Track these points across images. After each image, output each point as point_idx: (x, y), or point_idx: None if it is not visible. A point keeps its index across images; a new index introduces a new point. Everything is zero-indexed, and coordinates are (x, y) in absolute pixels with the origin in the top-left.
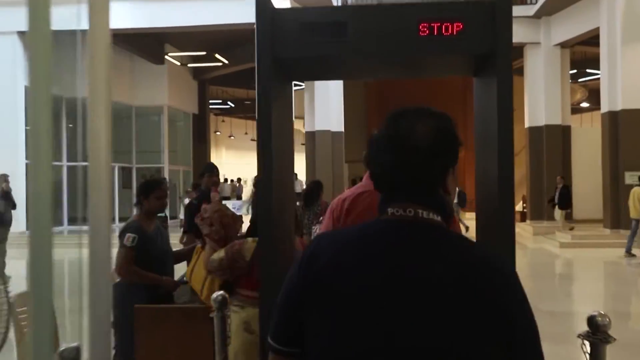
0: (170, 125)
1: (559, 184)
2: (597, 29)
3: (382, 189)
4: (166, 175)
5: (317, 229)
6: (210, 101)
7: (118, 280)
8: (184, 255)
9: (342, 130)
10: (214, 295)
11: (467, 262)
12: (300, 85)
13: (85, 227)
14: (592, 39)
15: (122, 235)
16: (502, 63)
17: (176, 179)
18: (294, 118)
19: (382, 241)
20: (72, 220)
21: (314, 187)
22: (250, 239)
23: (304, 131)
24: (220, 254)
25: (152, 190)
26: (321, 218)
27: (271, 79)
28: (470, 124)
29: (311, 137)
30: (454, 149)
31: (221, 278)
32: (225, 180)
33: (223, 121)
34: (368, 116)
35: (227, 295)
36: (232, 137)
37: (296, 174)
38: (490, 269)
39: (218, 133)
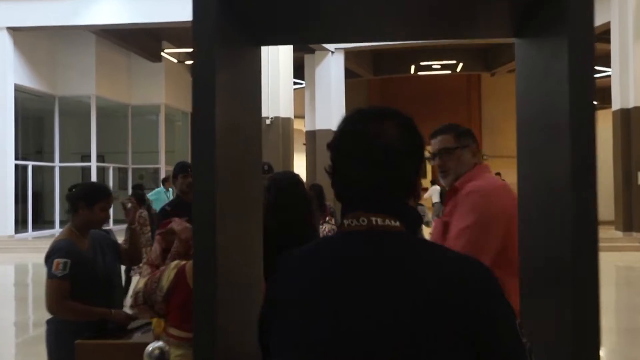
0: (167, 125)
1: None
2: (607, 24)
3: (343, 199)
4: (163, 175)
5: (326, 229)
6: None
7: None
8: (135, 252)
9: None
10: (148, 349)
11: (434, 273)
12: (301, 84)
13: None
14: (601, 34)
15: (48, 260)
16: (577, 14)
17: None
18: (292, 116)
19: (337, 252)
20: None
21: (321, 190)
22: (173, 263)
23: (304, 130)
24: (139, 284)
25: (99, 198)
26: (327, 218)
27: (217, 36)
28: (474, 124)
29: (312, 137)
30: (422, 149)
31: (144, 316)
32: None
33: None
34: None
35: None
36: None
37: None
38: (462, 277)
39: None
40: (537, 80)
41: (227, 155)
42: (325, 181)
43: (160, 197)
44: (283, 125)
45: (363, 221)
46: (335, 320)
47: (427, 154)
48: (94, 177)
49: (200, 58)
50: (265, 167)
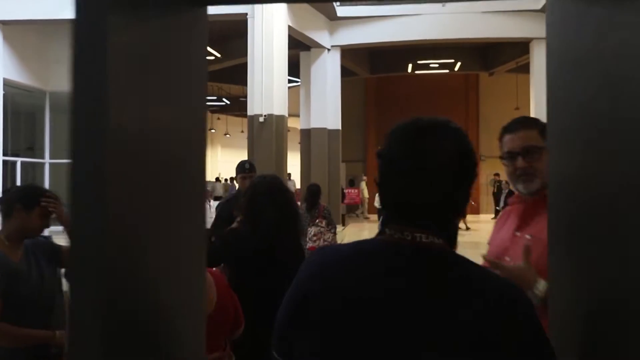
0: None
1: None
2: None
3: (389, 208)
4: None
5: (312, 232)
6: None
7: None
8: None
9: (339, 128)
10: None
11: (479, 291)
12: (297, 82)
13: None
14: None
15: None
16: None
17: None
18: (286, 114)
19: (379, 261)
20: None
21: (317, 190)
22: None
23: (299, 129)
24: None
25: (38, 201)
26: (317, 221)
27: None
28: (472, 125)
29: (306, 135)
30: (476, 169)
31: None
32: (217, 179)
33: (219, 119)
34: (366, 114)
35: None
36: (228, 136)
37: (290, 174)
38: (508, 300)
39: (213, 131)
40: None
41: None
42: (319, 181)
43: None
44: (277, 123)
45: (407, 235)
46: (389, 337)
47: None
48: None
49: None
50: (247, 166)
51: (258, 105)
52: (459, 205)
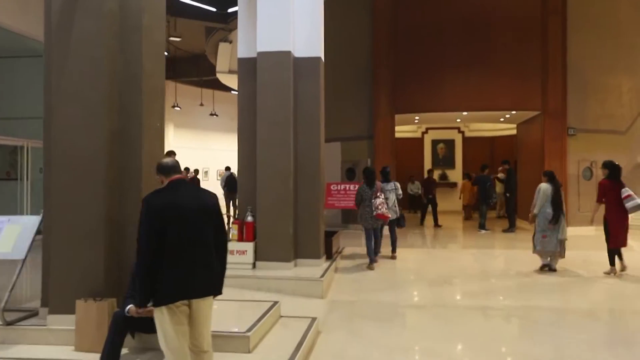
0: None
1: None
2: None
3: None
4: None
5: (377, 203)
6: None
7: None
8: None
9: (320, 55)
10: None
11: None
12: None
13: None
14: None
15: None
16: None
17: None
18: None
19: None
20: None
21: (372, 172)
22: None
23: (237, 57)
24: None
25: None
26: (378, 194)
27: None
28: (553, 78)
29: (248, 69)
30: None
31: None
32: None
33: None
34: (374, 56)
35: None
36: (178, 109)
37: (172, 151)
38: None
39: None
40: None
41: None
42: (273, 163)
43: None
44: None
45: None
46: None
47: None
48: None
49: None
50: None
51: None
52: None
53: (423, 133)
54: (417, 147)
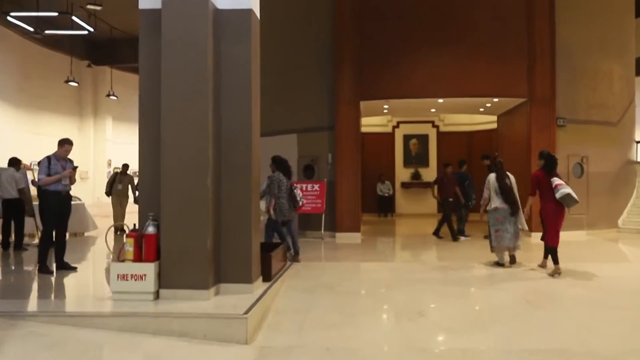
0: None
1: None
2: None
3: None
4: None
5: None
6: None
7: None
8: None
9: (252, 8)
10: None
11: None
12: None
13: None
14: None
15: None
16: None
17: None
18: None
19: None
20: None
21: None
22: None
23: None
24: None
25: None
26: None
27: None
28: (540, 62)
29: (151, 24)
30: None
31: None
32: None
33: (89, 66)
34: (336, 33)
35: None
36: (114, 98)
37: (127, 165)
38: None
39: (74, 84)
40: None
41: None
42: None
43: None
44: None
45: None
46: None
47: None
48: None
49: None
50: None
51: None
52: None
53: (394, 127)
54: (388, 142)
